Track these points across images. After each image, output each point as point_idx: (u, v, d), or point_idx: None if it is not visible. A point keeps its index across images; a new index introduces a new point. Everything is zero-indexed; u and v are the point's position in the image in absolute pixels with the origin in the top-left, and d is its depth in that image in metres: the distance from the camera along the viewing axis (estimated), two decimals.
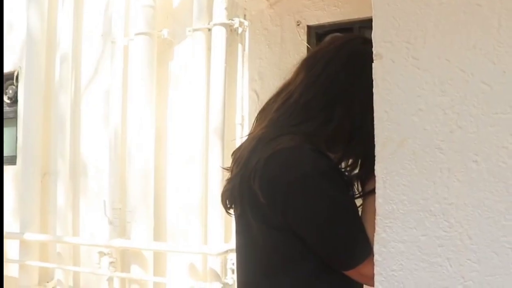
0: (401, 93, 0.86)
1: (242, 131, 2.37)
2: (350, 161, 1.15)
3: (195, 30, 2.56)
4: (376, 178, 0.88)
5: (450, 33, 0.83)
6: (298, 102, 1.11)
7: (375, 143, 0.88)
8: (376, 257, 0.89)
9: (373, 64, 0.88)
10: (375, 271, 0.89)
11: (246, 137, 1.19)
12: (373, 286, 1.02)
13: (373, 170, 0.94)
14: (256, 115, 1.24)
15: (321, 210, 1.02)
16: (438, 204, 0.83)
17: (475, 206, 0.81)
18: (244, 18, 2.46)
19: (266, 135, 1.10)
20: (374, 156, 0.99)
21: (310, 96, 1.10)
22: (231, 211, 1.18)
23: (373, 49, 0.88)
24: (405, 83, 0.85)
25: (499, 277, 0.79)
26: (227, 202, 1.17)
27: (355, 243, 1.03)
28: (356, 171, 1.15)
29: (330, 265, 1.05)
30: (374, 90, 0.88)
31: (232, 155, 1.22)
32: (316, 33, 2.20)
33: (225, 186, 1.19)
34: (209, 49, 2.44)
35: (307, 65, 1.15)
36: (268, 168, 1.03)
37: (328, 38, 1.62)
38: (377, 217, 0.88)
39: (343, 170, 1.14)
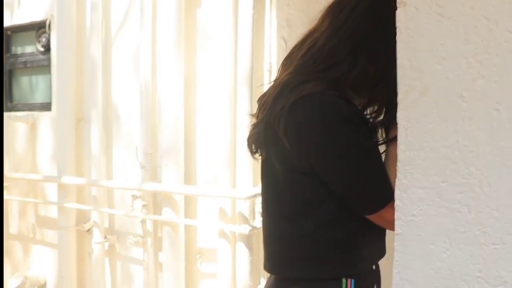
0: (424, 41, 0.86)
1: (270, 77, 2.37)
2: (375, 107, 1.16)
3: None
4: (398, 126, 0.90)
5: None
6: (323, 48, 1.12)
7: (398, 90, 0.89)
8: (397, 202, 0.91)
9: (396, 12, 0.88)
10: (395, 216, 0.92)
11: (272, 83, 1.21)
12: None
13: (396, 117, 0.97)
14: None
15: (345, 154, 1.05)
16: (459, 151, 0.84)
17: (495, 154, 0.82)
18: None
19: (291, 81, 1.11)
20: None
21: (335, 42, 1.11)
22: (257, 155, 1.21)
23: None
24: (428, 31, 0.85)
25: None
26: (253, 147, 1.21)
27: (377, 188, 1.06)
28: (381, 117, 1.16)
29: (353, 209, 1.09)
30: (397, 37, 0.88)
31: (258, 101, 1.24)
32: None
33: (250, 131, 1.22)
34: None
35: (333, 12, 1.15)
36: (293, 114, 1.05)
37: None
38: (398, 163, 0.90)
39: (368, 116, 1.16)
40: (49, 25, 3.37)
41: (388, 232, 1.17)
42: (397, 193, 0.90)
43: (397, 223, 0.92)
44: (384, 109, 1.15)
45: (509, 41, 0.80)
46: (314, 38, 1.15)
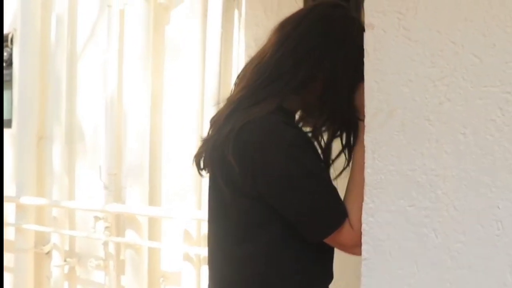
0: (391, 64, 0.86)
1: None
2: (329, 126, 1.16)
3: None
4: (366, 149, 0.89)
5: (442, 5, 0.83)
6: (269, 61, 1.13)
7: (365, 113, 0.89)
8: (364, 226, 0.90)
9: (364, 34, 0.88)
10: (362, 240, 0.91)
11: (225, 102, 1.20)
12: (354, 254, 1.04)
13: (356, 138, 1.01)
14: None
15: (291, 181, 1.04)
16: (425, 175, 0.84)
17: (461, 178, 0.81)
18: None
19: (242, 101, 1.12)
20: (356, 123, 1.01)
21: (280, 54, 1.12)
22: (204, 172, 1.19)
23: (365, 19, 0.88)
24: (396, 54, 0.85)
25: (484, 248, 0.80)
26: (201, 164, 1.19)
27: (327, 212, 1.04)
28: (339, 140, 1.16)
29: (305, 235, 1.07)
30: (365, 60, 0.88)
31: (210, 120, 1.22)
32: None
33: (199, 148, 1.20)
34: (205, 14, 2.41)
35: (281, 28, 1.18)
36: (240, 138, 1.05)
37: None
38: (365, 187, 0.89)
39: (320, 142, 1.17)
40: (11, 39, 3.30)
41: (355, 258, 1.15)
42: (364, 217, 0.89)
43: (364, 248, 0.90)
44: (345, 131, 1.15)
45: (474, 64, 0.80)
46: (262, 52, 1.17)
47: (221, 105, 1.20)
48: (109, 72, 2.77)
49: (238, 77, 1.22)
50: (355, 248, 1.01)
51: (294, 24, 1.15)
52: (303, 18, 1.16)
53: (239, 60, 2.35)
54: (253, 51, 2.24)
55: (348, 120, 1.12)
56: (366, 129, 0.88)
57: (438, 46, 0.82)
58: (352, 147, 1.12)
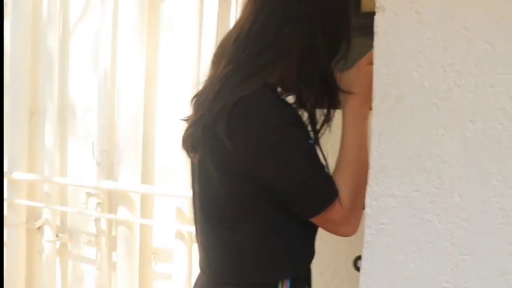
0: (402, 48, 0.85)
1: None
2: (312, 100, 1.14)
3: None
4: (372, 132, 0.88)
5: None
6: (250, 32, 1.10)
7: (373, 97, 0.88)
8: (367, 210, 0.90)
9: (375, 17, 0.86)
10: (365, 224, 0.91)
11: (207, 81, 1.17)
12: (341, 234, 1.05)
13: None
14: None
15: (286, 156, 1.04)
16: (431, 161, 0.84)
17: (467, 166, 0.81)
18: None
19: (229, 78, 1.08)
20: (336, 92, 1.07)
21: (258, 27, 1.09)
22: (191, 155, 1.17)
23: (376, 1, 0.86)
24: (407, 38, 0.84)
25: (486, 236, 0.81)
26: (189, 147, 1.17)
27: (319, 188, 1.05)
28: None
29: (297, 213, 1.08)
30: (375, 43, 0.87)
31: (191, 99, 1.20)
32: None
33: (186, 130, 1.18)
34: None
35: None
36: (235, 115, 1.03)
37: None
38: (370, 171, 0.89)
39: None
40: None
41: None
42: (368, 201, 0.89)
43: (366, 231, 0.91)
44: (320, 98, 1.14)
45: (487, 51, 0.79)
46: (240, 25, 1.13)
47: (200, 85, 1.17)
48: (102, 48, 2.72)
49: (215, 55, 1.18)
50: (342, 226, 1.05)
51: None
52: None
53: None
54: None
55: (329, 90, 1.11)
56: (374, 112, 0.88)
57: (451, 31, 0.81)
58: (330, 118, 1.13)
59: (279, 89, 1.16)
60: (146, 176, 2.69)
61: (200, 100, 1.15)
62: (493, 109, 0.79)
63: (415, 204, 0.85)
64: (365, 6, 1.39)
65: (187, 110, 2.41)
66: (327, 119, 1.15)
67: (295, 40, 1.08)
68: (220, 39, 2.33)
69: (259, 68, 1.08)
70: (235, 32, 1.14)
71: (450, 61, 0.81)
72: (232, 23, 2.37)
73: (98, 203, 2.72)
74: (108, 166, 2.74)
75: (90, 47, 2.87)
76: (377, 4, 0.86)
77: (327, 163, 1.10)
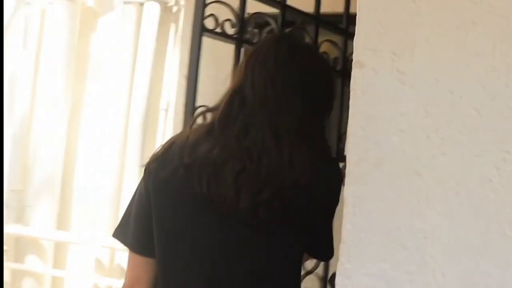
0: (381, 109, 0.77)
1: (166, 116, 2.22)
2: None
3: (125, 2, 2.35)
4: (345, 202, 0.79)
5: (441, 50, 0.75)
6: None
7: (347, 161, 0.79)
8: None
9: (352, 73, 0.78)
10: None
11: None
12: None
13: None
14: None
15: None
16: (412, 236, 0.75)
17: (452, 242, 0.74)
18: None
19: (286, 132, 0.95)
20: None
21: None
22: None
23: (353, 56, 0.79)
24: (387, 99, 0.77)
25: None
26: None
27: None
28: None
29: (321, 255, 1.18)
30: (351, 102, 0.78)
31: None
32: (255, 23, 2.09)
33: (242, 180, 0.97)
34: (138, 25, 2.25)
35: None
36: (334, 176, 1.04)
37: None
38: (342, 245, 0.79)
39: None
40: None
41: None
42: (339, 280, 0.79)
43: None
44: None
45: (473, 118, 0.73)
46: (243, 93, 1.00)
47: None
48: (22, 79, 2.51)
49: (219, 121, 1.02)
50: None
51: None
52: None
53: (172, 77, 2.19)
54: (187, 70, 2.12)
55: None
56: (347, 179, 0.79)
57: (435, 94, 0.75)
58: None
59: None
60: (62, 222, 2.46)
61: (255, 148, 0.98)
62: (480, 180, 0.73)
63: (393, 284, 0.76)
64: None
65: (114, 153, 2.25)
66: None
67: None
68: (154, 77, 2.21)
69: (315, 128, 1.08)
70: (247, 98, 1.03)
71: (434, 126, 0.74)
72: (168, 60, 2.25)
73: (4, 251, 2.44)
74: (18, 208, 2.49)
75: (7, 76, 2.63)
76: (354, 60, 0.78)
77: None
